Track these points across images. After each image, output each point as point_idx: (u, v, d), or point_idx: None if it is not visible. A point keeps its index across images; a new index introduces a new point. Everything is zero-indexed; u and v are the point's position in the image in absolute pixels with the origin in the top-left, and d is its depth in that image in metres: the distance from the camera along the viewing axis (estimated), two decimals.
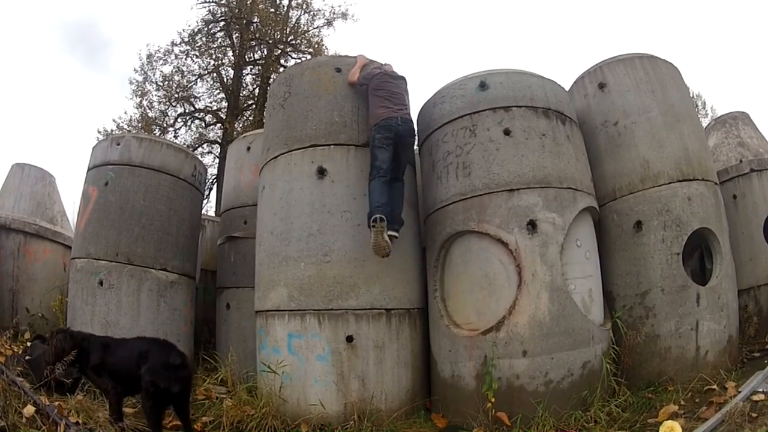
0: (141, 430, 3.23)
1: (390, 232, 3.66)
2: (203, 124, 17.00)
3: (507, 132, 3.72)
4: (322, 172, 3.87)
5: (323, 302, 3.63)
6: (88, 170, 5.06)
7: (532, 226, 3.49)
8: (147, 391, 2.94)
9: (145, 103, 15.99)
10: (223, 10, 16.14)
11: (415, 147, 4.76)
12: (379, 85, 3.98)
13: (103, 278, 4.49)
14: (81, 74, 34.81)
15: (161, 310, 4.65)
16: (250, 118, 16.37)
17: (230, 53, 16.57)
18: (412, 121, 4.02)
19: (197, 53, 16.06)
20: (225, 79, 16.53)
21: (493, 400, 3.20)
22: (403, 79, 4.24)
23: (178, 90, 16.12)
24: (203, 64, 16.30)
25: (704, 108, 19.73)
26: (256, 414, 3.48)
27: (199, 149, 16.52)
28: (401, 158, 3.92)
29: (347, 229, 3.75)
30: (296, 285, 3.70)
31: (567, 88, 4.50)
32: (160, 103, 16.20)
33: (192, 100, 16.55)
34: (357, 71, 4.12)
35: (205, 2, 15.85)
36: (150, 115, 15.99)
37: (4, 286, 5.71)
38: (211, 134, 17.15)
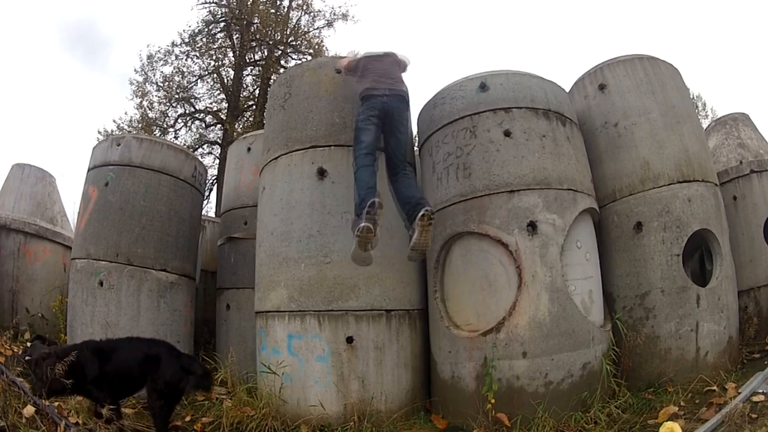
0: (141, 431, 3.23)
1: (426, 208, 3.17)
2: (203, 125, 17.03)
3: (507, 133, 3.72)
4: (322, 173, 3.87)
5: (323, 303, 3.63)
6: (88, 170, 5.06)
7: (532, 227, 3.50)
8: (160, 393, 2.94)
9: (145, 103, 16.05)
10: (223, 10, 16.18)
11: (416, 148, 4.77)
12: (363, 69, 3.81)
13: (103, 279, 4.49)
14: (80, 74, 34.88)
15: (161, 311, 4.65)
16: (251, 119, 16.40)
17: (230, 54, 16.62)
18: (404, 92, 3.66)
19: (197, 54, 16.11)
20: (225, 80, 16.56)
21: (493, 401, 3.20)
22: (389, 54, 3.95)
23: (178, 91, 16.15)
24: (203, 65, 16.36)
25: (704, 109, 19.77)
26: (255, 415, 3.47)
27: (200, 150, 16.55)
28: (394, 139, 3.56)
29: (347, 230, 3.75)
30: (296, 286, 3.71)
31: (567, 90, 4.51)
32: (160, 103, 16.25)
33: (192, 100, 16.58)
34: (348, 59, 4.00)
35: (206, 3, 15.89)
36: (150, 115, 16.03)
37: (4, 286, 5.71)
38: (211, 135, 17.19)
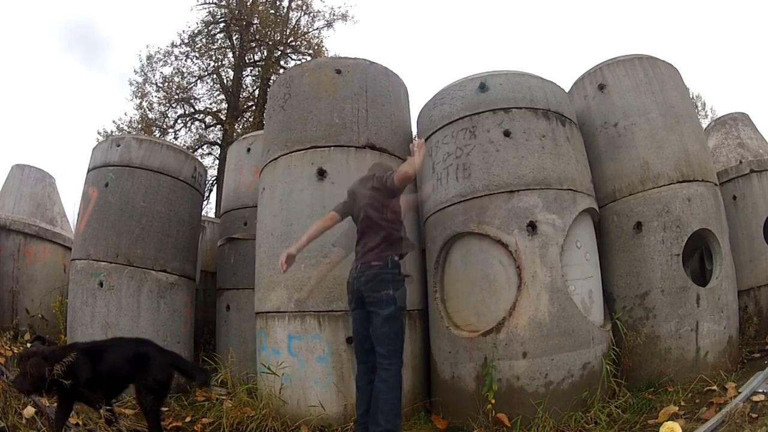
0: (140, 431, 3.23)
1: None
2: (203, 126, 17.03)
3: (507, 133, 3.72)
4: (322, 173, 3.87)
5: (323, 303, 3.63)
6: (88, 171, 5.06)
7: (532, 227, 3.50)
8: (149, 388, 2.98)
9: (145, 104, 16.03)
10: (223, 11, 16.16)
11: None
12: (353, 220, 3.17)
13: (103, 279, 4.49)
14: (79, 74, 34.87)
15: (161, 312, 4.65)
16: (250, 119, 16.38)
17: (230, 54, 16.61)
18: (375, 262, 2.81)
19: (197, 54, 16.09)
20: (225, 81, 16.55)
21: (493, 401, 3.20)
22: (369, 179, 3.07)
23: (178, 91, 16.14)
24: (203, 66, 16.34)
25: (704, 109, 19.77)
26: (256, 415, 3.47)
27: (199, 151, 16.53)
28: (371, 321, 2.82)
29: (347, 230, 3.74)
30: (296, 286, 3.70)
31: (567, 90, 4.51)
32: (160, 104, 16.23)
33: (192, 101, 16.57)
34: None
35: (205, 3, 15.88)
36: (150, 116, 16.01)
37: (4, 287, 5.71)
38: (211, 136, 17.18)
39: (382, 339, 2.76)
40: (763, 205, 5.01)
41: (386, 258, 2.84)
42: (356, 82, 4.18)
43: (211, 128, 17.14)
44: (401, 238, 2.97)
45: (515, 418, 3.22)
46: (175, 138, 16.11)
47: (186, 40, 15.90)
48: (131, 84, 16.07)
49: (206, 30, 16.03)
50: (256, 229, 4.28)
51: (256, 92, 16.59)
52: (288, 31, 16.74)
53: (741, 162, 5.43)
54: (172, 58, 16.00)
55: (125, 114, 18.23)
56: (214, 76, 16.42)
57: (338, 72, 4.19)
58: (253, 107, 16.51)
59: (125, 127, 15.70)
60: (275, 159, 4.11)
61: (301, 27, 17.06)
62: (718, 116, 6.90)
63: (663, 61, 4.46)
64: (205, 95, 16.74)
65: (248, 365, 4.42)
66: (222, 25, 16.26)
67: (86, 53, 33.04)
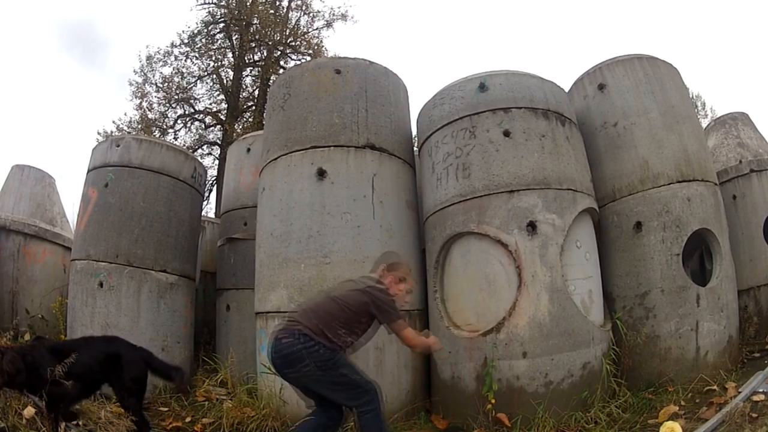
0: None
1: None
2: (203, 126, 17.03)
3: (507, 133, 3.72)
4: (321, 173, 3.87)
5: None
6: (88, 172, 5.06)
7: (531, 227, 3.50)
8: (129, 390, 3.01)
9: (144, 104, 16.02)
10: (222, 11, 16.17)
11: (415, 148, 4.77)
12: None
13: (103, 280, 4.49)
14: (78, 74, 34.82)
15: (161, 312, 4.65)
16: (250, 119, 16.39)
17: (230, 55, 16.61)
18: (286, 344, 2.43)
19: (197, 55, 16.10)
20: (225, 81, 16.56)
21: (493, 401, 3.21)
22: (370, 291, 2.61)
23: (177, 91, 16.14)
24: (203, 66, 16.34)
25: (704, 108, 19.78)
26: (256, 415, 3.48)
27: (199, 151, 16.53)
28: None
29: (347, 230, 3.75)
30: (296, 286, 3.70)
31: (567, 90, 4.51)
32: (159, 104, 16.23)
33: (192, 101, 16.57)
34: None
35: (205, 4, 15.88)
36: (150, 116, 16.01)
37: (4, 288, 5.71)
38: (210, 136, 17.18)
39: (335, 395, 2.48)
40: (762, 205, 5.01)
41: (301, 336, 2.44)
42: (356, 82, 4.19)
43: (211, 128, 17.14)
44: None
45: (515, 418, 3.22)
46: (175, 138, 16.12)
47: (186, 41, 15.91)
48: (131, 84, 16.08)
49: (206, 30, 16.03)
50: (256, 229, 4.28)
51: (256, 92, 16.60)
52: (288, 31, 16.74)
53: (741, 162, 5.43)
54: (172, 58, 16.01)
55: (125, 114, 18.25)
56: (214, 76, 16.42)
57: (338, 72, 4.19)
58: (253, 107, 16.51)
59: (125, 128, 15.71)
60: (275, 159, 4.11)
61: (301, 27, 17.07)
62: (718, 116, 6.91)
63: (663, 60, 4.45)
64: (205, 95, 16.76)
65: (248, 365, 4.42)
66: (222, 25, 16.27)
67: (85, 53, 33.01)
